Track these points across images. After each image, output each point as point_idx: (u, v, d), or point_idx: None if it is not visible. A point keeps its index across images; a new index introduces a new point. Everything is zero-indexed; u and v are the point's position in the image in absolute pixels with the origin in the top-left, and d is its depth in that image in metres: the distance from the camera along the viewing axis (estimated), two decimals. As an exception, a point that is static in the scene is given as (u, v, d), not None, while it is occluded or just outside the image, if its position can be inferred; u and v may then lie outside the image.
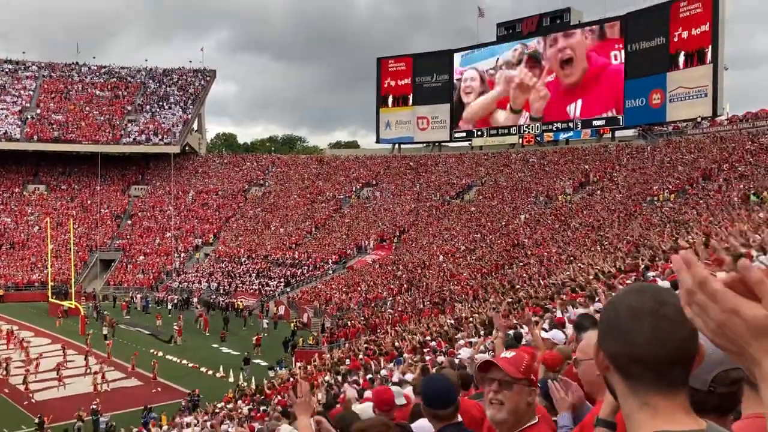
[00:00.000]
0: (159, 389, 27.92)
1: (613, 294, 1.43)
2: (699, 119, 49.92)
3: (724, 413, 1.71)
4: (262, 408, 18.25)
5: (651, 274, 13.20)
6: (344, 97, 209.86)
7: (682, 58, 51.23)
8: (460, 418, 3.29)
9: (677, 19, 51.15)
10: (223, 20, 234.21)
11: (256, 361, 32.94)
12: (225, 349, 35.97)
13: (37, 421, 22.88)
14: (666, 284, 8.40)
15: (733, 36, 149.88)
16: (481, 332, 15.72)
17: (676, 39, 51.38)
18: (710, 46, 49.43)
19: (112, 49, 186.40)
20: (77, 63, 75.40)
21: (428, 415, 3.25)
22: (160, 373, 29.14)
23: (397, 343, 22.35)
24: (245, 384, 27.01)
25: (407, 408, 4.59)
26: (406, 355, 18.05)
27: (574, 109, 57.99)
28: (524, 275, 32.57)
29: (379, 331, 31.77)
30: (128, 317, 44.51)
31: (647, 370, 1.25)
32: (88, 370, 29.70)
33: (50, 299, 46.98)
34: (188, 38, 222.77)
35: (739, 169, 38.13)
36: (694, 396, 1.65)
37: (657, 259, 16.24)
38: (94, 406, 24.04)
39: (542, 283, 25.51)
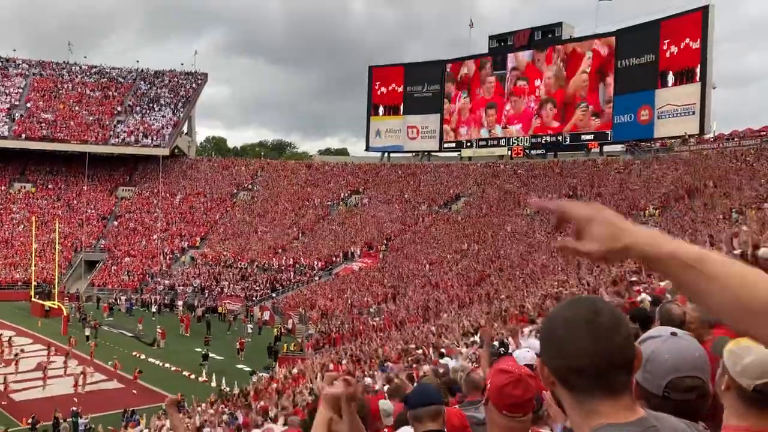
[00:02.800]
0: (135, 391, 27.72)
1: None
2: (686, 136, 50.41)
3: None
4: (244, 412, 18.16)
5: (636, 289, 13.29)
6: (336, 103, 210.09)
7: (671, 76, 51.74)
8: (444, 429, 3.31)
9: (667, 36, 51.67)
10: (217, 22, 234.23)
11: (240, 366, 32.81)
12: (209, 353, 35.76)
13: (30, 421, 22.69)
14: (648, 299, 8.49)
15: (725, 55, 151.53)
16: (467, 342, 15.76)
17: (665, 56, 51.89)
18: (699, 65, 49.96)
19: (104, 48, 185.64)
20: (68, 62, 75.06)
21: (412, 419, 3.27)
22: (141, 376, 28.97)
23: (381, 351, 22.33)
24: (227, 389, 26.88)
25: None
26: (390, 363, 18.05)
27: (563, 122, 58.44)
28: (510, 286, 32.66)
29: (363, 338, 31.72)
30: (110, 319, 44.18)
31: (588, 379, 1.26)
32: (67, 371, 29.44)
33: (33, 299, 46.61)
34: (182, 40, 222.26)
35: (725, 187, 38.49)
36: (651, 401, 1.70)
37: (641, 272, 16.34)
38: (75, 408, 23.84)
39: (527, 293, 25.60)
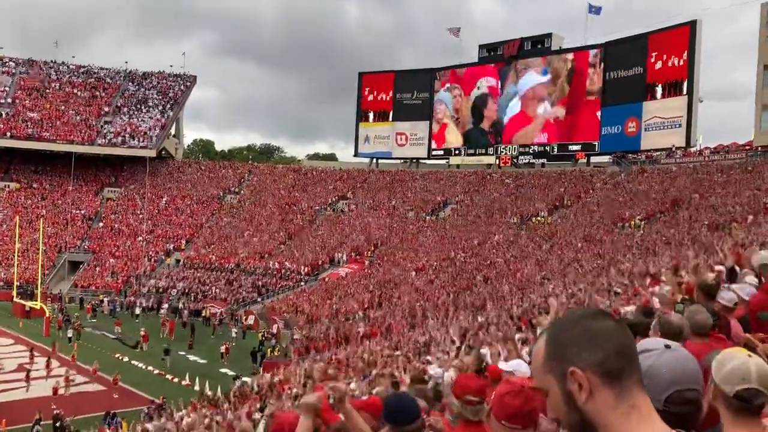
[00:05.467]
0: (116, 395, 27.47)
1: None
2: (673, 149, 50.85)
3: None
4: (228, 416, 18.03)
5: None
6: (326, 108, 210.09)
7: (658, 88, 52.20)
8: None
9: (655, 49, 52.15)
10: (206, 23, 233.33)
11: (223, 370, 32.62)
12: (192, 357, 35.58)
13: (37, 417, 22.42)
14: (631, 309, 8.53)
15: (715, 68, 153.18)
16: (453, 348, 15.75)
17: (653, 69, 52.36)
18: (686, 78, 50.45)
19: (91, 48, 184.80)
20: (55, 61, 74.60)
21: None
22: (124, 379, 28.74)
23: (366, 357, 22.27)
24: (210, 393, 26.70)
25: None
26: (375, 371, 17.99)
27: (551, 133, 58.85)
28: (496, 294, 32.72)
29: (348, 345, 31.63)
30: (94, 320, 43.80)
31: (627, 362, 1.29)
32: (50, 373, 29.18)
33: (15, 299, 46.15)
34: (170, 40, 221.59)
35: (710, 200, 38.86)
36: None
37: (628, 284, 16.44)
38: (57, 411, 23.60)
39: (514, 302, 25.66)
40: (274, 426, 3.87)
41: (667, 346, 1.67)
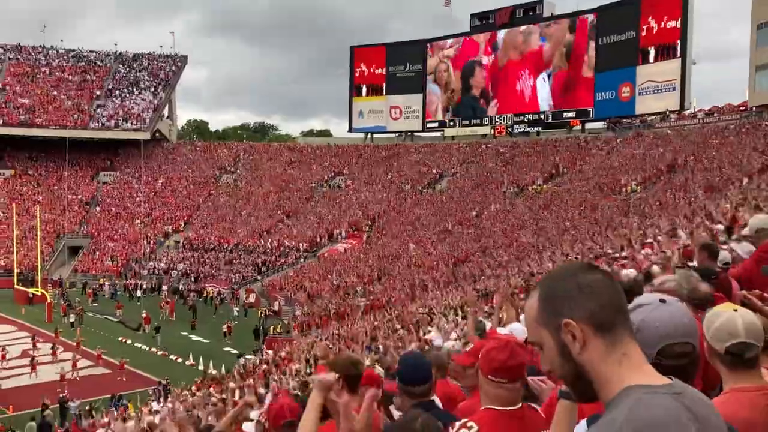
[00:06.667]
0: (124, 378, 27.66)
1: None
2: (667, 113, 50.74)
3: None
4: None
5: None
6: (318, 84, 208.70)
7: (651, 52, 51.91)
8: (435, 397, 3.36)
9: (648, 13, 51.75)
10: (194, 1, 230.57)
11: (226, 349, 32.85)
12: (195, 337, 35.80)
13: (45, 402, 22.63)
14: (632, 273, 8.59)
15: (709, 29, 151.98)
16: (453, 319, 15.88)
17: (645, 33, 52.01)
18: (679, 41, 50.15)
19: (80, 31, 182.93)
20: (44, 46, 73.87)
21: (402, 392, 3.31)
22: (128, 361, 28.94)
23: (368, 331, 22.43)
24: (215, 371, 26.93)
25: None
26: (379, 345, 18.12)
27: (545, 100, 58.64)
28: (495, 263, 32.89)
29: (350, 319, 31.84)
30: (95, 305, 43.96)
31: (617, 313, 1.33)
32: (55, 359, 29.36)
33: (16, 286, 46.26)
34: (158, 18, 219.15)
35: (704, 162, 38.86)
36: None
37: (625, 248, 16.54)
38: (63, 395, 23.80)
39: (511, 272, 25.81)
40: (273, 412, 3.91)
41: (662, 301, 1.70)
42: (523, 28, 60.14)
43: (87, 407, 22.78)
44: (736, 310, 2.18)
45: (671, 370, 1.72)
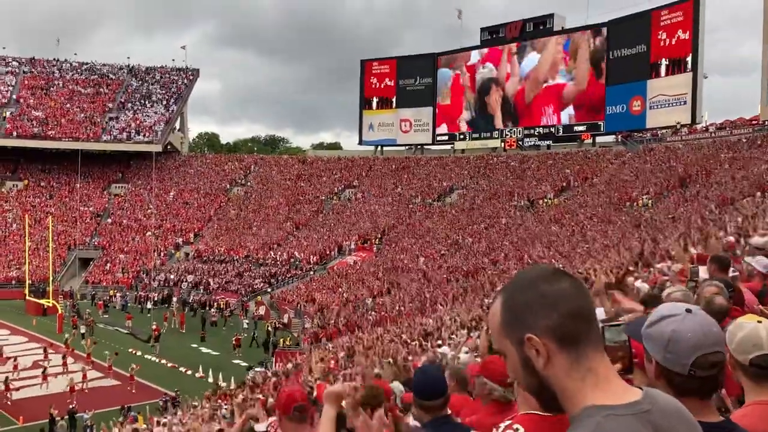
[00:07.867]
0: (134, 390, 27.65)
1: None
2: (678, 126, 50.56)
3: (704, 396, 1.72)
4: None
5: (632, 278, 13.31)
6: (329, 97, 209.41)
7: (662, 66, 51.82)
8: (449, 411, 3.33)
9: (658, 27, 51.73)
10: (207, 14, 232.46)
11: (236, 361, 32.81)
12: (204, 349, 35.79)
13: (53, 413, 22.60)
14: (645, 287, 8.52)
15: (721, 43, 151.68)
16: (463, 332, 15.79)
17: (657, 46, 51.95)
18: (690, 55, 50.05)
19: (92, 43, 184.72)
20: (58, 59, 74.61)
21: (417, 407, 3.28)
22: (138, 373, 28.93)
23: (378, 344, 22.33)
24: (224, 384, 26.88)
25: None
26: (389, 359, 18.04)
27: (556, 114, 58.61)
28: (505, 278, 32.71)
29: (359, 332, 31.73)
30: (106, 316, 44.05)
31: (583, 323, 1.25)
32: (66, 369, 29.39)
33: (27, 297, 46.46)
34: (171, 31, 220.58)
35: (717, 176, 38.63)
36: (674, 380, 1.71)
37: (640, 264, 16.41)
38: (72, 406, 23.80)
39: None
40: (283, 397, 3.82)
41: (688, 311, 1.67)
42: (533, 41, 60.12)
43: (89, 425, 22.75)
44: (760, 322, 2.15)
45: (704, 381, 1.70)
